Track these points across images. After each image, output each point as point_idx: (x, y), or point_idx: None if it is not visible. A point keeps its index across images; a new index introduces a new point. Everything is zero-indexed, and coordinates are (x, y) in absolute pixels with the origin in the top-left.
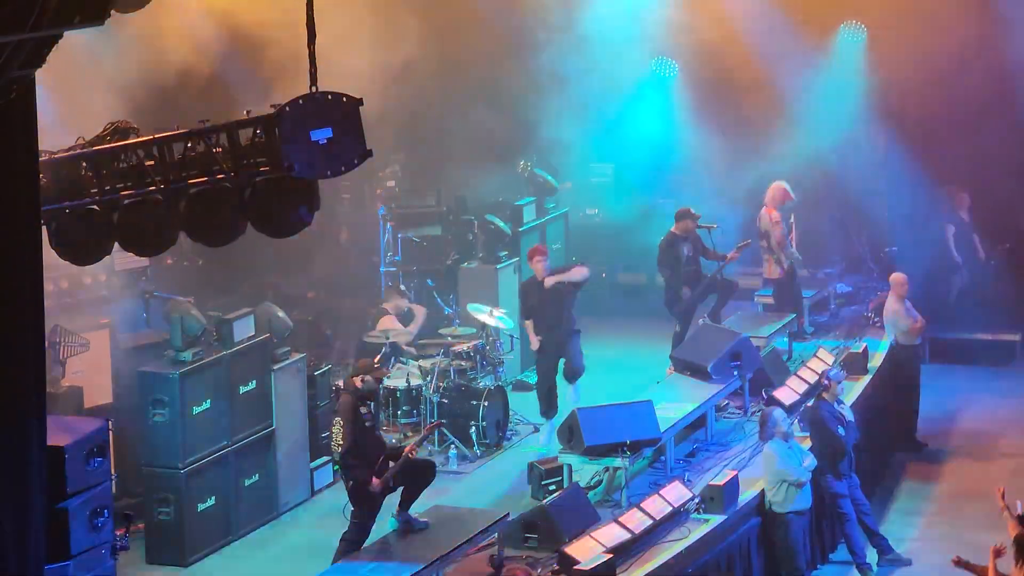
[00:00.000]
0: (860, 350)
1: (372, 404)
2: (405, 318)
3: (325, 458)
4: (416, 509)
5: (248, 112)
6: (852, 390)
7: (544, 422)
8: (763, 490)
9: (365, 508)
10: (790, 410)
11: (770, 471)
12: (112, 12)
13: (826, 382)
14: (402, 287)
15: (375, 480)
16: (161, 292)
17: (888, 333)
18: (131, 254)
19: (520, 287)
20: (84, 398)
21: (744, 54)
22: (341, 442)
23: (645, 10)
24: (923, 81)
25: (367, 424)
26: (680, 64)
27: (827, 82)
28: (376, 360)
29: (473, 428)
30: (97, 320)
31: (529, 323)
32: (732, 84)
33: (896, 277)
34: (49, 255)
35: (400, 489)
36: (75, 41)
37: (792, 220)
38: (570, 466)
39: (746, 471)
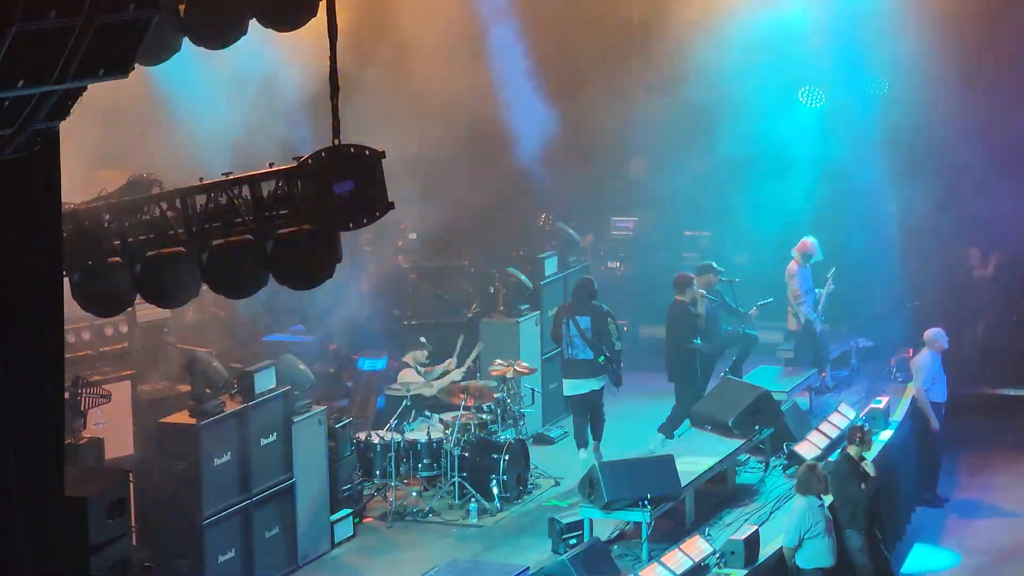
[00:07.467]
0: (882, 405)
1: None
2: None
3: (345, 511)
4: (435, 562)
5: (271, 164)
6: (874, 445)
7: None
8: (781, 547)
9: None
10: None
11: (791, 523)
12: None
13: (860, 435)
14: (422, 339)
15: None
16: (182, 344)
17: (912, 387)
18: (153, 306)
19: None
20: (105, 449)
21: None
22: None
23: None
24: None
25: None
26: None
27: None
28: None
29: (494, 481)
30: (118, 372)
31: None
32: None
33: (932, 332)
34: (71, 307)
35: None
36: None
37: (829, 276)
38: (591, 519)
39: (767, 525)
